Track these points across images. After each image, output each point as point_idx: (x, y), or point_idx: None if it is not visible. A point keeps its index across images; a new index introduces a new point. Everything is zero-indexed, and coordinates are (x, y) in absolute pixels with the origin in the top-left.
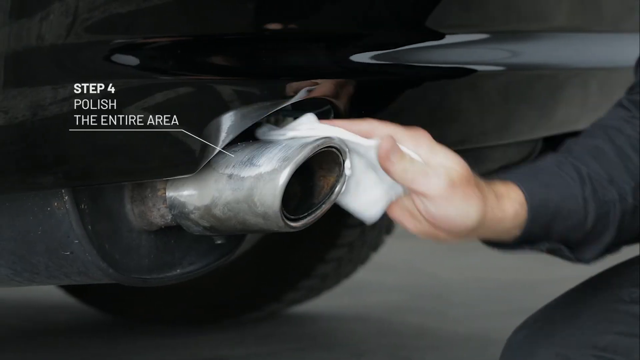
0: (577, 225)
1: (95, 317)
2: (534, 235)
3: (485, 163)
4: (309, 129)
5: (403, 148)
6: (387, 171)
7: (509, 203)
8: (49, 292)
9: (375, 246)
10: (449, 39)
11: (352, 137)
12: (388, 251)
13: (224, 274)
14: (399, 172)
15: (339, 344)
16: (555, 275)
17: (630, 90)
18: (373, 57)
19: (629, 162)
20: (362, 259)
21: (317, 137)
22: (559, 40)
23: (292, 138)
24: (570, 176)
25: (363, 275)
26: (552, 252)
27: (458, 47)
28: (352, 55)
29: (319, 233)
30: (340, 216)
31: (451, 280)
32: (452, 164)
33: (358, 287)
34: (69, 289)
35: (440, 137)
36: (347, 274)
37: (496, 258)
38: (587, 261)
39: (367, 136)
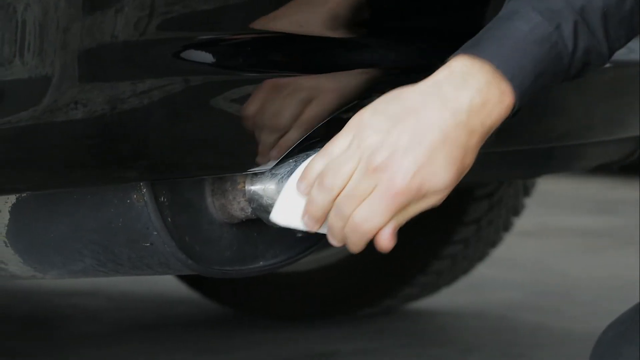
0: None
1: (215, 310)
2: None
3: (584, 160)
4: None
5: None
6: None
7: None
8: (176, 285)
9: (492, 243)
10: None
11: None
12: (518, 249)
13: (339, 269)
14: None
15: (451, 340)
16: None
17: None
18: None
19: None
20: (479, 256)
21: None
22: None
23: None
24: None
25: (489, 272)
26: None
27: None
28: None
29: (433, 229)
30: (455, 212)
31: (579, 279)
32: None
33: (482, 284)
34: (190, 282)
35: (543, 131)
36: (464, 270)
37: (632, 257)
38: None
39: None
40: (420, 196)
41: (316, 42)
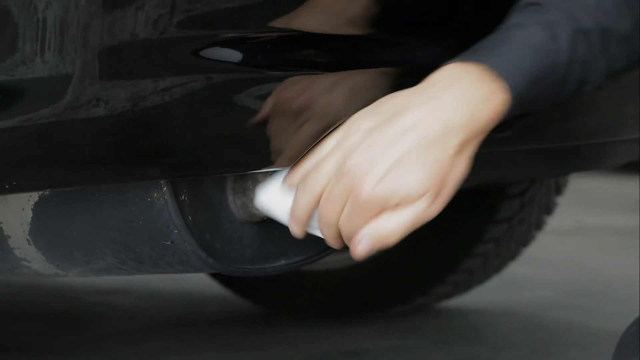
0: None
1: (247, 308)
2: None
3: (613, 158)
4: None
5: None
6: None
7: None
8: (208, 283)
9: (524, 242)
10: None
11: None
12: (553, 247)
13: (370, 267)
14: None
15: (481, 339)
16: None
17: None
18: None
19: None
20: (511, 255)
21: None
22: None
23: None
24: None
25: (522, 270)
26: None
27: None
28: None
29: (465, 227)
30: (486, 211)
31: (614, 277)
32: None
33: (516, 283)
34: (221, 280)
35: (572, 129)
36: (496, 269)
37: None
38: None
39: None
40: (393, 203)
41: (337, 40)
